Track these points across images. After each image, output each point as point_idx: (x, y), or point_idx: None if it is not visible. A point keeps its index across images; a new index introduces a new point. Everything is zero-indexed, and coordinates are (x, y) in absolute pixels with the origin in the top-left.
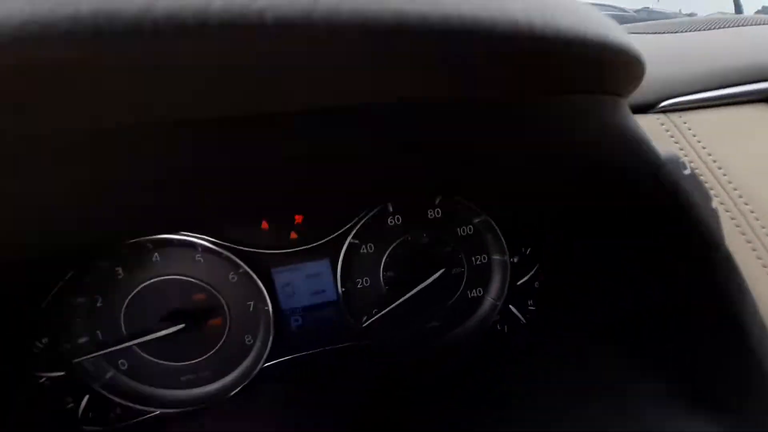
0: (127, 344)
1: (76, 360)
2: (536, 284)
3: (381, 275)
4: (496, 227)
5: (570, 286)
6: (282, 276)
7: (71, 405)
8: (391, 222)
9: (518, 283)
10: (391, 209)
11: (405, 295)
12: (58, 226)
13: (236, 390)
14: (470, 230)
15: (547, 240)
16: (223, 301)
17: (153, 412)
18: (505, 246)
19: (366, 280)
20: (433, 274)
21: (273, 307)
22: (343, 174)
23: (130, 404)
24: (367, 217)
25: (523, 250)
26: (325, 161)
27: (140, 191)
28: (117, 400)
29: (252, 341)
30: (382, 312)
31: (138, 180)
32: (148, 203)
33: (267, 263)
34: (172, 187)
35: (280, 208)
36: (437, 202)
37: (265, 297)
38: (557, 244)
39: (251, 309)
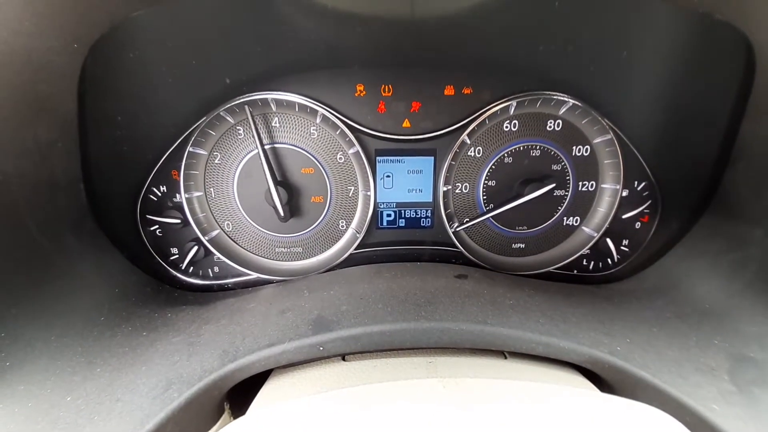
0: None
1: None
2: (637, 225)
3: (482, 183)
4: (619, 150)
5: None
6: (384, 166)
7: (175, 257)
8: (507, 127)
9: (623, 216)
10: (512, 111)
11: (501, 208)
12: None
13: (323, 270)
14: (586, 151)
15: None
16: (327, 180)
17: (247, 275)
18: (622, 173)
19: (466, 186)
20: (534, 191)
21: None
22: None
23: (230, 262)
24: (485, 116)
25: (635, 183)
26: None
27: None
28: (219, 255)
29: (345, 227)
30: (474, 222)
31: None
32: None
33: (374, 149)
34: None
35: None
36: (563, 111)
37: (369, 181)
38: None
39: (350, 194)
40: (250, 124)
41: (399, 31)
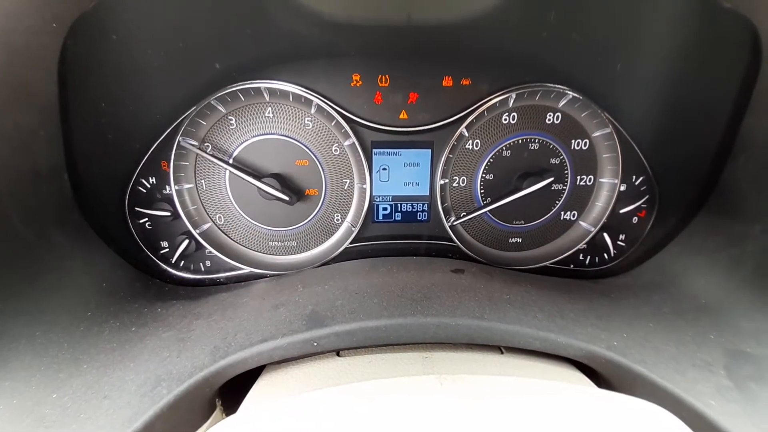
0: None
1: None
2: (635, 219)
3: (479, 176)
4: (618, 144)
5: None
6: (380, 158)
7: (166, 250)
8: (505, 119)
9: (621, 211)
10: (511, 103)
11: (498, 202)
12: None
13: (317, 264)
14: (585, 145)
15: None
16: (322, 173)
17: (239, 269)
18: (621, 168)
19: (463, 179)
20: (532, 185)
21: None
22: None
23: (222, 256)
24: (483, 108)
25: (633, 178)
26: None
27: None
28: (211, 249)
29: (340, 220)
30: (470, 216)
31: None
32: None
33: (371, 140)
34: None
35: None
36: (562, 103)
37: (365, 174)
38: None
39: (345, 187)
40: (206, 157)
41: (395, 34)
